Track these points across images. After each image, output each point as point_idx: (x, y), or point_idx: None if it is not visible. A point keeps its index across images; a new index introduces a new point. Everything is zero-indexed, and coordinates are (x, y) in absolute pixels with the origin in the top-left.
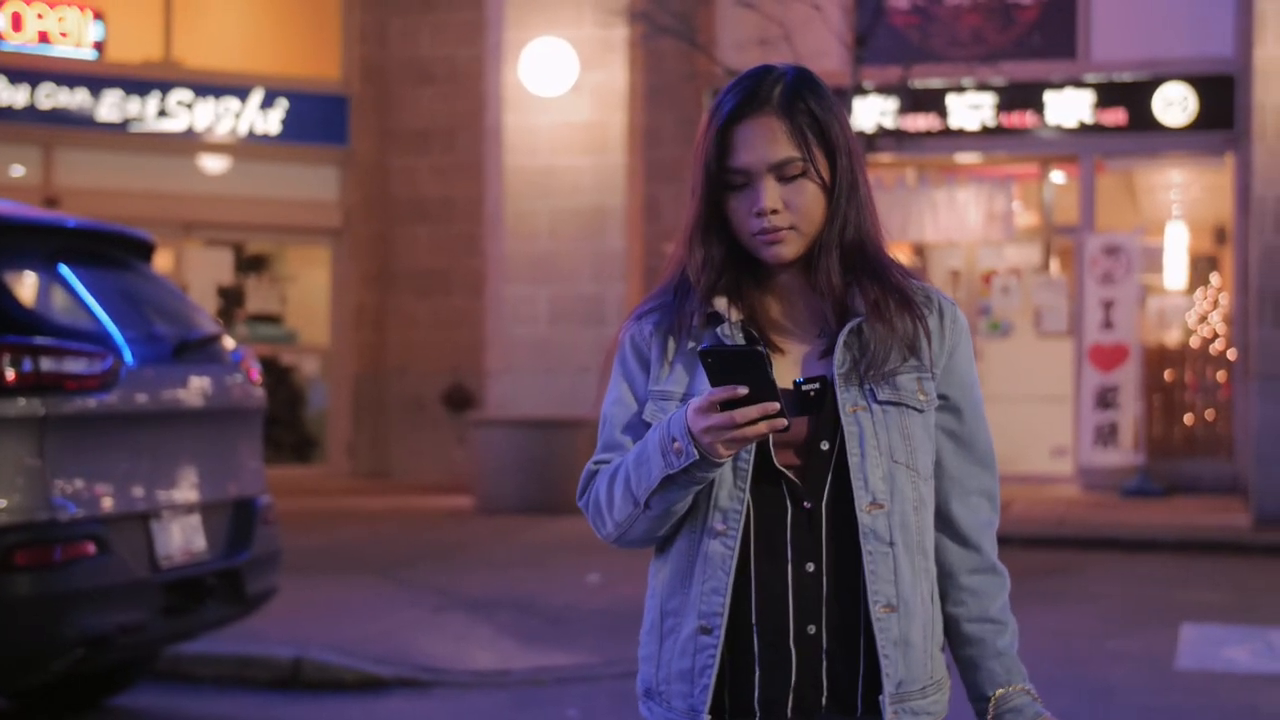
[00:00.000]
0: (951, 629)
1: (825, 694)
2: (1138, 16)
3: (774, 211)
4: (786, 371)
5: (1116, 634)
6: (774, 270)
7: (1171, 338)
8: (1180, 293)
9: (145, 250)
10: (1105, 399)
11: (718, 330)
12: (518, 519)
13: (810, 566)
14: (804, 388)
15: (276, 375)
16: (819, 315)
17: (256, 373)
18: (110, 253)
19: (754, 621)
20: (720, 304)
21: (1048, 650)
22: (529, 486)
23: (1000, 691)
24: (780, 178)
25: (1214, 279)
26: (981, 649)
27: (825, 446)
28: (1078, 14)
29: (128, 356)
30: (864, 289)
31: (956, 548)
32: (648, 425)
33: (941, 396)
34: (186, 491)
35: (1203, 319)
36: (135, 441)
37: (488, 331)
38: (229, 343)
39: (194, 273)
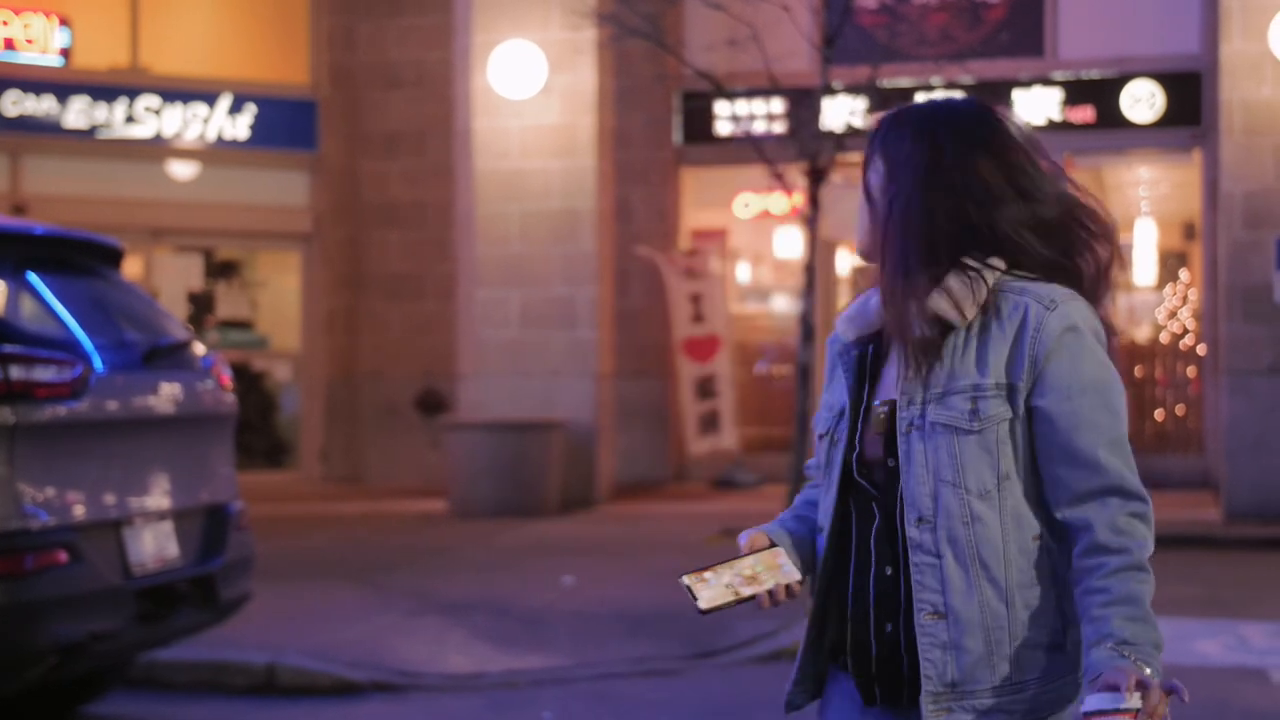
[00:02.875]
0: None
1: (906, 687)
2: (1105, 14)
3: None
4: (882, 390)
5: None
6: None
7: (1141, 334)
8: (1150, 289)
9: (114, 257)
10: None
11: (834, 349)
12: (492, 522)
13: (889, 570)
14: (877, 409)
15: (248, 381)
16: None
17: (227, 378)
18: (79, 260)
19: (849, 615)
20: (842, 324)
21: None
22: (502, 489)
23: (1085, 657)
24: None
25: (1183, 275)
26: (1082, 619)
27: (891, 464)
28: (1045, 12)
29: (98, 364)
30: (939, 296)
31: (1073, 541)
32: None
33: (1035, 408)
34: (159, 498)
35: (1172, 315)
36: (106, 449)
37: (459, 335)
38: (199, 349)
39: (164, 279)
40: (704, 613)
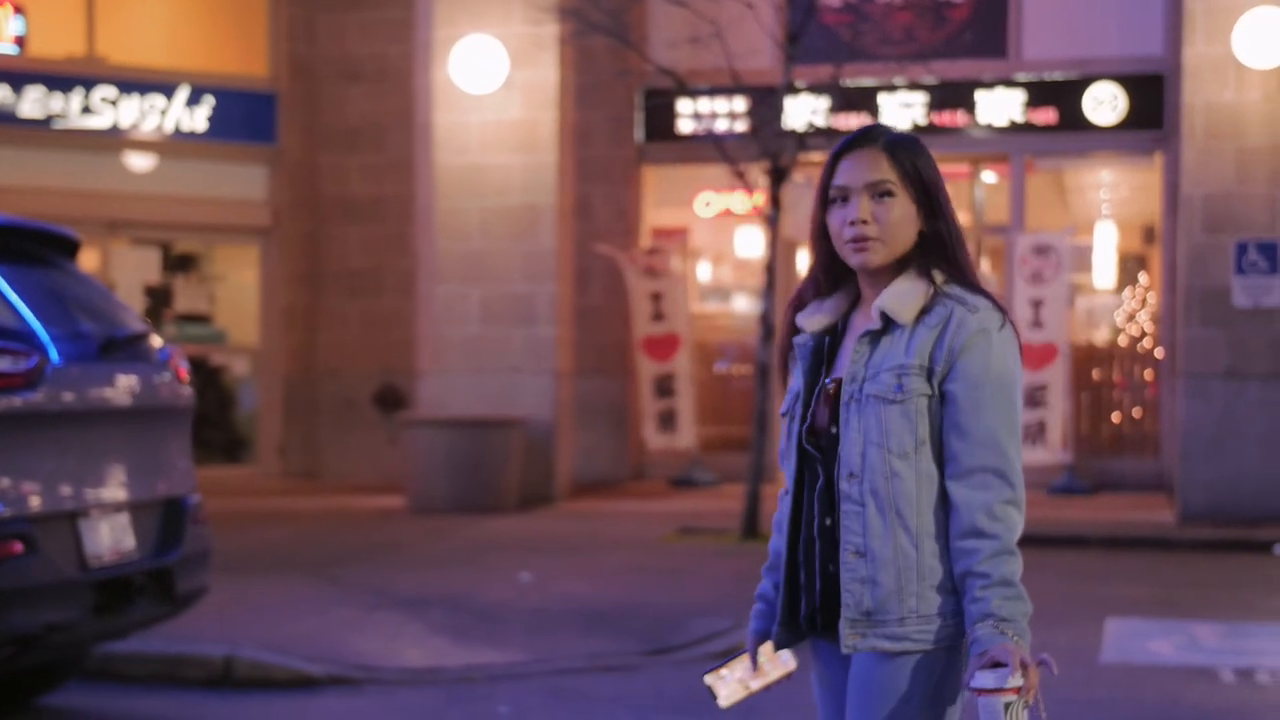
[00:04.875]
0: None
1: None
2: (1068, 16)
3: (863, 221)
4: (835, 371)
5: (1042, 628)
6: (869, 281)
7: (1100, 337)
8: (1109, 292)
9: (70, 248)
10: (1033, 397)
11: (795, 340)
12: (449, 518)
13: (828, 521)
14: (827, 385)
15: (206, 375)
16: (869, 321)
17: (185, 371)
18: (35, 250)
19: (801, 560)
20: (805, 317)
21: None
22: (460, 486)
23: (970, 630)
24: (874, 195)
25: (1142, 278)
26: (964, 598)
27: (834, 430)
28: (1009, 13)
29: (53, 354)
30: (887, 299)
31: (951, 518)
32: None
33: (945, 391)
34: (115, 490)
35: (1131, 318)
36: (62, 440)
37: (419, 331)
38: (156, 341)
39: (120, 272)
40: (724, 708)
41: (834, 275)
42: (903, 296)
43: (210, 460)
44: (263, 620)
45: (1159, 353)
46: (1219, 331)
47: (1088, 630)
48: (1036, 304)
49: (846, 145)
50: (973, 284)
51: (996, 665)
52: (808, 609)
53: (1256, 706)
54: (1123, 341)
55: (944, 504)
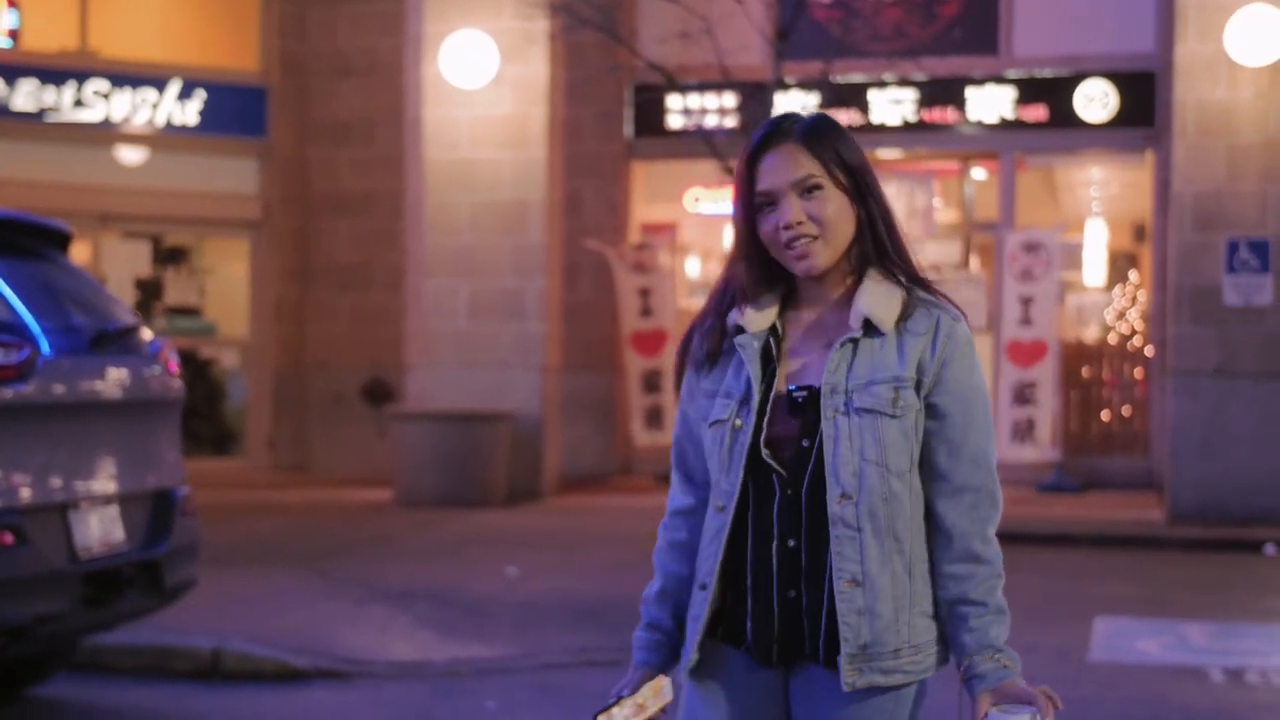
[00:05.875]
0: (940, 609)
1: (806, 645)
2: (1059, 12)
3: (799, 223)
4: (791, 377)
5: (1030, 627)
6: (812, 282)
7: (1090, 334)
8: (1099, 289)
9: (62, 241)
10: (1023, 395)
11: (736, 339)
12: (437, 512)
13: (792, 542)
14: (794, 394)
15: (195, 368)
16: (836, 324)
17: (175, 364)
18: (26, 243)
19: (748, 584)
20: (746, 317)
21: None
22: (448, 480)
23: (967, 661)
24: (802, 193)
25: (1132, 276)
26: (957, 625)
27: (806, 444)
28: (999, 10)
29: (45, 347)
30: (865, 305)
31: (940, 539)
32: (699, 420)
33: (932, 404)
34: (105, 482)
35: (1121, 316)
36: (53, 432)
37: (407, 325)
38: (147, 334)
39: (111, 265)
40: None
41: (767, 282)
42: (883, 301)
43: (199, 453)
44: (251, 613)
45: (1149, 351)
46: (1209, 330)
47: (1076, 629)
48: (1026, 301)
49: (760, 145)
50: (925, 281)
51: (1024, 703)
52: (758, 639)
53: (1245, 706)
54: (1113, 339)
55: (928, 525)
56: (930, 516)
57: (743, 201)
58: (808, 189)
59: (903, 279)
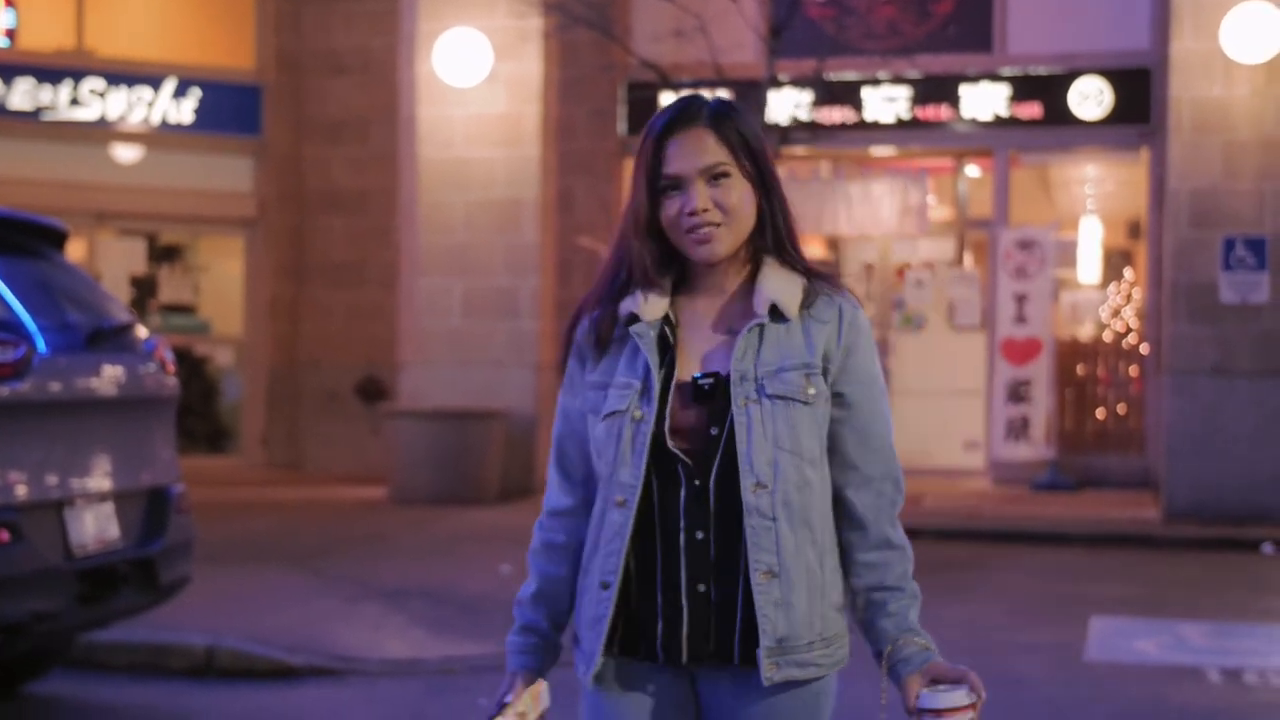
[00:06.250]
0: (853, 598)
1: (712, 642)
2: (1054, 9)
3: (705, 210)
4: (692, 365)
5: (1026, 626)
6: (707, 270)
7: (1084, 332)
8: (1094, 287)
9: (58, 239)
10: (1017, 393)
11: (632, 329)
12: (431, 510)
13: (699, 534)
14: (699, 382)
15: (190, 366)
16: (737, 312)
17: (170, 362)
18: (23, 241)
19: (659, 580)
20: (641, 304)
21: (957, 642)
22: (442, 477)
23: (889, 648)
24: (709, 180)
25: (1128, 273)
26: (874, 612)
27: (715, 432)
28: (994, 7)
29: (41, 345)
30: (771, 291)
31: (853, 528)
32: (584, 413)
33: (839, 393)
34: (100, 480)
35: (1116, 313)
36: (49, 429)
37: (401, 323)
38: (142, 332)
39: (107, 262)
40: None
41: (661, 268)
42: (786, 288)
43: (193, 450)
44: (245, 611)
45: (1144, 348)
46: (1206, 328)
47: (1072, 629)
48: (1020, 299)
49: (668, 127)
50: (820, 271)
51: (955, 684)
52: (668, 638)
53: (1243, 707)
54: (1107, 337)
55: (837, 514)
56: (840, 505)
57: (645, 183)
58: (715, 176)
59: (800, 268)
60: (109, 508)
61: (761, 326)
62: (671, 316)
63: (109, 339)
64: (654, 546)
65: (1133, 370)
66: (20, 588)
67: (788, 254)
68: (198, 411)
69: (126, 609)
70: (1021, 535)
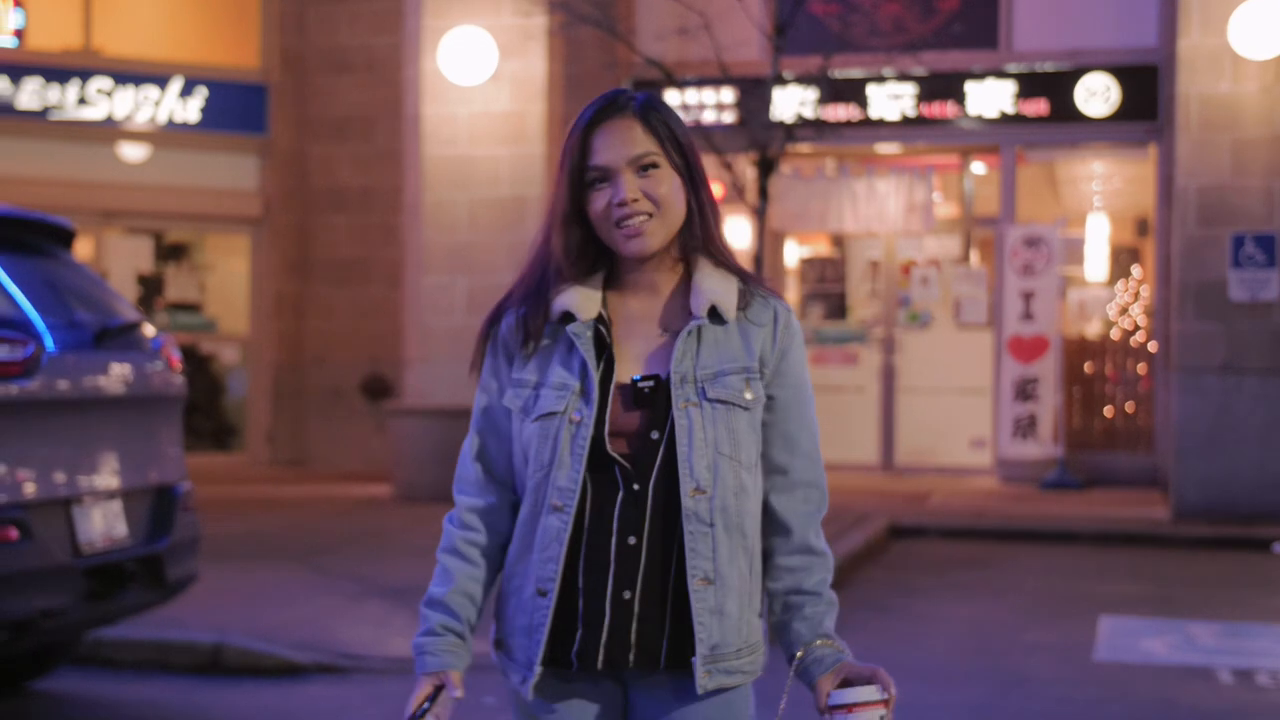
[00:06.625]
0: (770, 601)
1: (633, 651)
2: (1061, 6)
3: (634, 200)
4: (630, 366)
5: (1034, 625)
6: (638, 267)
7: (1092, 330)
8: (1101, 285)
9: (65, 237)
10: (1024, 391)
11: (568, 328)
12: (435, 507)
13: (632, 540)
14: (639, 385)
15: (196, 363)
16: (673, 312)
17: (177, 360)
18: (30, 240)
19: (580, 586)
20: (573, 302)
21: (964, 641)
22: (446, 475)
23: (801, 651)
24: (638, 170)
25: (1135, 271)
26: (790, 615)
27: (655, 436)
28: (1000, 3)
29: (49, 343)
30: (709, 292)
31: (776, 532)
32: (508, 411)
33: (770, 395)
34: (108, 478)
35: (1123, 311)
36: (57, 427)
37: (406, 321)
38: (149, 330)
39: (114, 261)
40: None
41: (588, 264)
42: (723, 289)
43: (199, 448)
44: (251, 608)
45: (1152, 346)
46: (1215, 325)
47: (1081, 628)
48: (1027, 296)
49: (595, 118)
50: (748, 273)
51: (866, 682)
52: (585, 644)
53: (1256, 708)
54: (1115, 335)
55: (763, 518)
56: (765, 510)
57: (571, 176)
58: (644, 166)
59: (733, 268)
60: (116, 505)
61: (700, 328)
62: (605, 315)
63: (116, 337)
64: (579, 551)
65: (1141, 368)
66: (28, 585)
67: (718, 252)
68: (203, 409)
69: (133, 606)
70: (1029, 534)
